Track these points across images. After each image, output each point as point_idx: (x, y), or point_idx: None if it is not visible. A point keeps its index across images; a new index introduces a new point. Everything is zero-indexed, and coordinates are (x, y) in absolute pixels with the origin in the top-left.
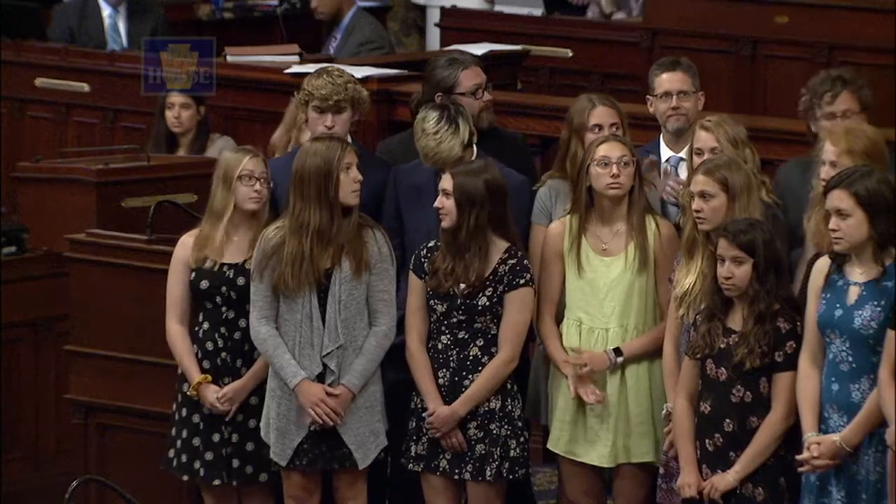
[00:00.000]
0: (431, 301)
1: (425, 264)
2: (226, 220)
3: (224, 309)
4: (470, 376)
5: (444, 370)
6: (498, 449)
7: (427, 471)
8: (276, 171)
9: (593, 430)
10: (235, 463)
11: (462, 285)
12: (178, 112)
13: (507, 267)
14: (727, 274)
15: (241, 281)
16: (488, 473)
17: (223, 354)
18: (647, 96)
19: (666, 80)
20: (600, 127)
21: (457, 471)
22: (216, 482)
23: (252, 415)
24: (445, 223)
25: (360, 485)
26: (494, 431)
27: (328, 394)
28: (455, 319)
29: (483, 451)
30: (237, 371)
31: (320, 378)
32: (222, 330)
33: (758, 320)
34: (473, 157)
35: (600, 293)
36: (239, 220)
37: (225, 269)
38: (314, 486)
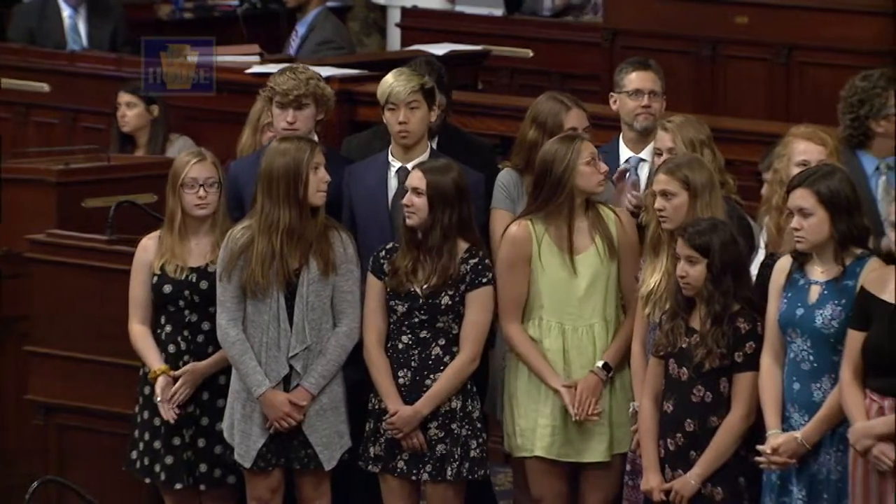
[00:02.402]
0: (392, 301)
1: (384, 265)
2: (177, 225)
3: (187, 312)
4: (432, 376)
5: (405, 370)
6: (459, 449)
7: (385, 472)
8: (241, 171)
9: (587, 429)
10: (203, 467)
11: (424, 285)
12: (124, 111)
13: (469, 266)
14: (682, 273)
15: (203, 284)
16: (449, 473)
17: (186, 357)
18: (612, 93)
19: (637, 79)
20: (574, 129)
21: (414, 471)
22: (178, 486)
23: (219, 418)
24: (413, 221)
25: (324, 486)
26: (455, 431)
27: (294, 405)
28: (417, 319)
29: (444, 451)
30: None
31: (286, 380)
32: (185, 333)
33: (715, 321)
34: (427, 151)
35: (579, 291)
36: (196, 224)
37: (187, 272)
38: (278, 487)
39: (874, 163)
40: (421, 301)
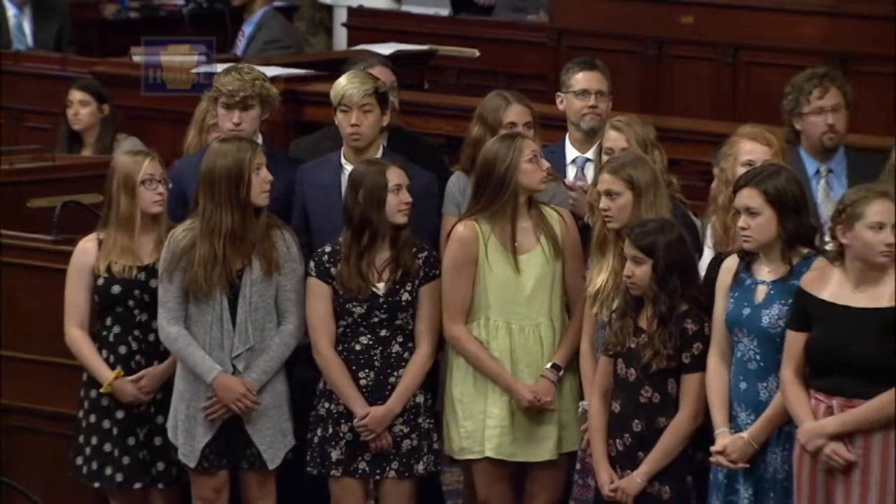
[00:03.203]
0: (348, 304)
1: (331, 269)
2: (137, 226)
3: (137, 312)
4: (395, 373)
5: (367, 371)
6: (425, 443)
7: (346, 475)
8: (186, 169)
9: (534, 429)
10: (161, 465)
11: (383, 283)
12: (77, 109)
13: (421, 261)
14: (628, 273)
15: (153, 283)
16: (421, 468)
17: (137, 357)
18: (558, 93)
19: (584, 79)
20: (514, 125)
21: (378, 470)
22: (137, 485)
23: (161, 413)
24: (404, 220)
25: (269, 485)
26: (423, 425)
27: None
28: (376, 319)
29: (411, 447)
30: None
31: None
32: (136, 333)
33: (661, 322)
34: (380, 153)
35: (526, 290)
36: (147, 223)
37: (136, 272)
38: (223, 487)
39: (815, 164)
40: (381, 300)
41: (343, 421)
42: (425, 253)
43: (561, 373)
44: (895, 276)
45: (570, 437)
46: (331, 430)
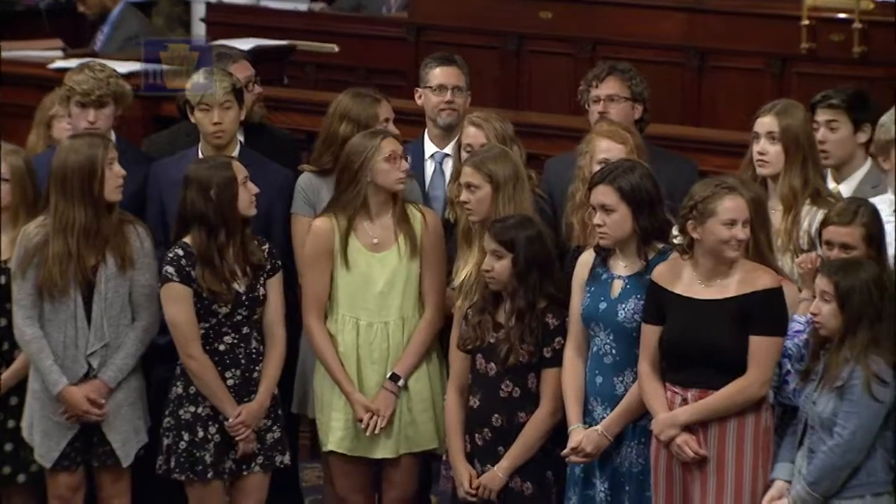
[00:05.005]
0: (213, 306)
1: (191, 272)
2: None
3: None
4: (256, 369)
5: (234, 369)
6: (285, 433)
7: (215, 476)
8: (39, 168)
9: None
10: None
11: (240, 281)
12: None
13: (266, 253)
14: (487, 267)
15: (2, 280)
16: (286, 459)
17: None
18: (417, 88)
19: (441, 74)
20: (388, 120)
21: (244, 466)
22: None
23: (11, 415)
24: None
25: (123, 483)
26: (280, 416)
27: (92, 401)
28: (239, 317)
29: (274, 439)
30: None
31: (86, 377)
32: None
33: (519, 316)
34: (237, 150)
35: (377, 288)
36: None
37: None
38: (79, 486)
39: None
40: (243, 297)
41: (211, 423)
42: (267, 246)
43: (401, 382)
44: (741, 267)
45: (414, 435)
46: (200, 434)
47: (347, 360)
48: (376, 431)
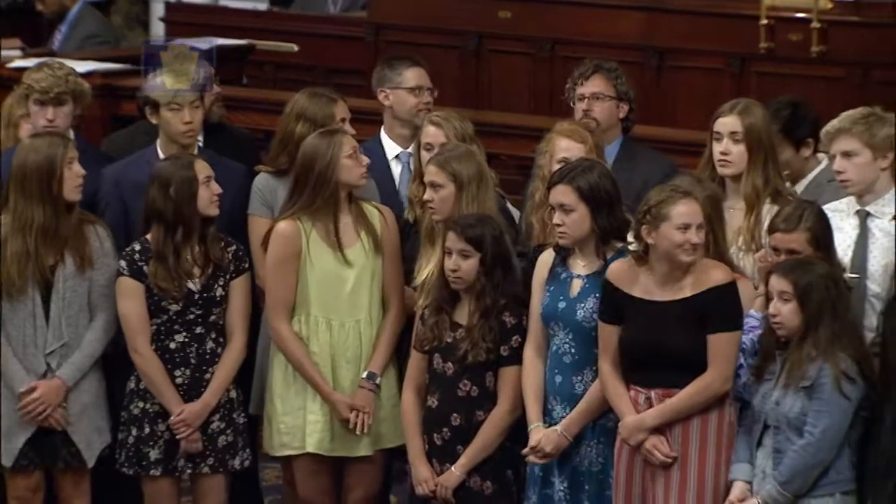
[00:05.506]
0: (164, 302)
1: (144, 267)
2: None
3: None
4: (210, 369)
5: (183, 368)
6: (241, 438)
7: (165, 474)
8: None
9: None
10: None
11: (195, 280)
12: None
13: (231, 254)
14: (453, 267)
15: None
16: (237, 463)
17: None
18: (385, 88)
19: (416, 75)
20: (344, 120)
21: (191, 466)
22: None
23: None
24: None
25: (84, 484)
26: (237, 420)
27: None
28: (191, 316)
29: (227, 442)
30: None
31: (44, 376)
32: None
33: (483, 315)
34: (196, 151)
35: (348, 286)
36: None
37: None
38: (38, 487)
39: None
40: (196, 296)
41: (160, 420)
42: (234, 247)
43: (378, 380)
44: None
45: (387, 432)
46: (147, 430)
47: (322, 361)
48: (365, 430)
